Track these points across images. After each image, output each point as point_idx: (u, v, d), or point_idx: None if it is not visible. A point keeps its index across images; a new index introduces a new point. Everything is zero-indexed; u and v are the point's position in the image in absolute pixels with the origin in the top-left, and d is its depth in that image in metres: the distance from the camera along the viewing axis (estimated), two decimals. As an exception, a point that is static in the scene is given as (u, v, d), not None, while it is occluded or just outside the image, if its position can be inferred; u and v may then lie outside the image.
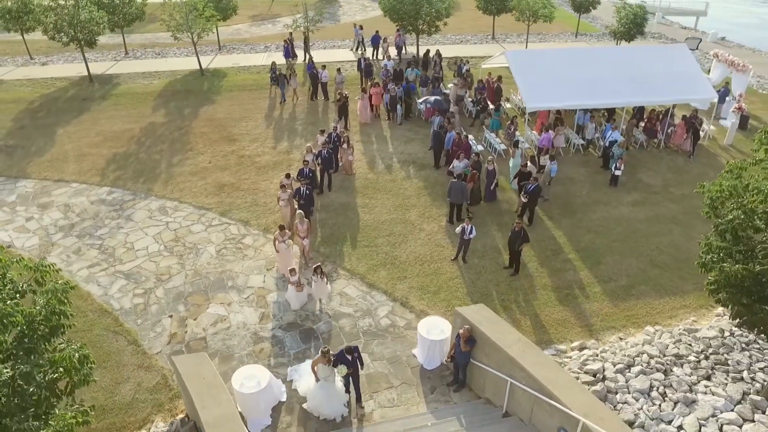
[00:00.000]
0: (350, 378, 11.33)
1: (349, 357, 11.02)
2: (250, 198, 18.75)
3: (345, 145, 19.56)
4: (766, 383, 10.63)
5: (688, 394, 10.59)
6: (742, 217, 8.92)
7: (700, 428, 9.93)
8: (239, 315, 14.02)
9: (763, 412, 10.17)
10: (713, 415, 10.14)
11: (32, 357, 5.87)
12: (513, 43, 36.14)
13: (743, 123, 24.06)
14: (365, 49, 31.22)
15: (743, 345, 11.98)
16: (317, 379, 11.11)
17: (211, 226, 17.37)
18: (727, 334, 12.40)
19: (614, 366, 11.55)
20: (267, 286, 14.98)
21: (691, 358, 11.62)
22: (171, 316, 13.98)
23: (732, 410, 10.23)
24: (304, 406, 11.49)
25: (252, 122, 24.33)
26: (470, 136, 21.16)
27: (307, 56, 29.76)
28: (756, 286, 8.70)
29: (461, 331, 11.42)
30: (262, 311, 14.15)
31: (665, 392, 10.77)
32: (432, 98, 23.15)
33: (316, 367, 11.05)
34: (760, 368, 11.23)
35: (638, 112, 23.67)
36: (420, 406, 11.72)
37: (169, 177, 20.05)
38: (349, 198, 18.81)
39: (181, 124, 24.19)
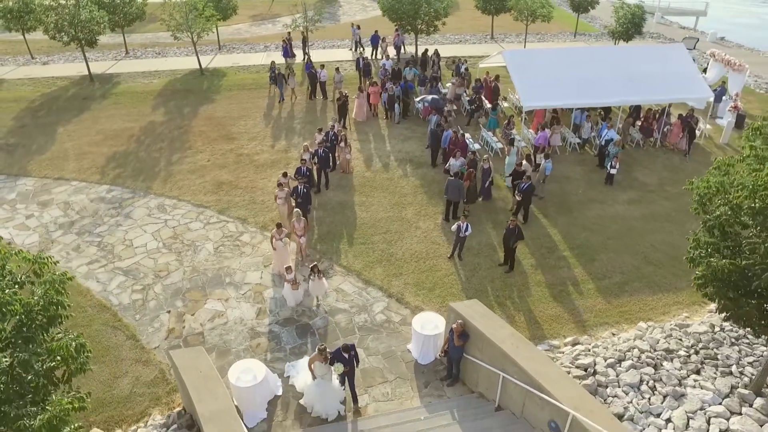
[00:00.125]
0: (346, 376, 11.44)
1: (346, 355, 11.11)
2: (248, 196, 18.91)
3: (342, 144, 19.71)
4: (754, 377, 10.77)
5: (677, 388, 10.75)
6: (729, 213, 9.06)
7: (688, 421, 10.09)
8: (236, 311, 14.19)
9: (751, 405, 10.32)
10: (701, 409, 10.30)
11: (30, 346, 6.04)
12: (512, 42, 36.28)
13: (739, 122, 24.18)
14: (363, 49, 31.37)
15: (733, 340, 12.13)
16: (314, 377, 11.22)
17: (209, 224, 17.54)
18: (717, 329, 12.55)
19: (605, 360, 11.71)
20: (264, 283, 15.14)
21: (681, 352, 11.77)
22: (169, 312, 14.15)
23: (720, 403, 10.38)
24: (301, 401, 11.63)
25: (251, 121, 24.50)
26: (467, 135, 21.33)
27: (306, 56, 29.92)
28: (742, 280, 8.84)
29: (454, 325, 11.56)
30: (258, 307, 14.31)
31: (655, 386, 10.93)
32: (429, 97, 23.31)
33: (313, 365, 11.14)
34: (748, 362, 11.38)
35: (634, 111, 23.80)
36: (414, 400, 11.87)
37: (168, 175, 20.23)
38: (347, 196, 18.97)
39: (181, 122, 24.36)
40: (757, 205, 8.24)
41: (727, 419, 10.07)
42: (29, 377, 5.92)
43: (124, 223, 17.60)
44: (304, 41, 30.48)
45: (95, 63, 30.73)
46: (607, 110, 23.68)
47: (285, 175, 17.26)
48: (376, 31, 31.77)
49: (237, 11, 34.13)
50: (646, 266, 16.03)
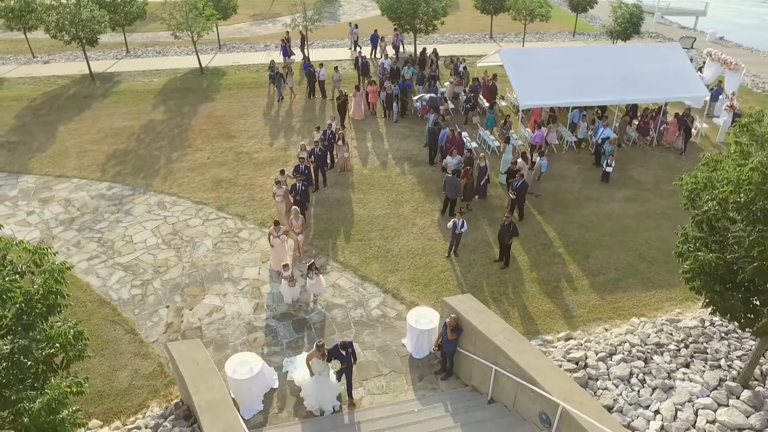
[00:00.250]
0: (344, 372, 11.55)
1: (344, 352, 11.22)
2: (247, 193, 19.11)
3: (340, 143, 19.89)
4: (742, 370, 10.93)
5: (666, 381, 10.93)
6: (717, 208, 9.23)
7: (676, 413, 10.26)
8: (234, 305, 14.38)
9: (738, 398, 10.49)
10: (689, 401, 10.47)
11: (30, 333, 6.24)
12: (511, 42, 36.44)
13: (736, 121, 24.28)
14: (360, 48, 31.56)
15: (722, 334, 12.30)
16: (311, 374, 11.36)
17: (208, 220, 17.74)
18: (707, 323, 12.72)
19: (596, 354, 11.89)
20: (262, 278, 15.34)
21: (672, 346, 11.94)
22: (168, 307, 14.35)
23: (708, 396, 10.55)
24: (301, 394, 11.76)
25: (250, 119, 24.70)
26: (464, 134, 21.51)
27: (304, 55, 30.13)
28: (729, 274, 9.01)
29: (448, 320, 11.74)
30: (256, 302, 14.50)
31: (644, 379, 11.10)
32: (427, 96, 23.49)
33: (310, 362, 11.27)
34: (737, 356, 11.55)
35: (631, 109, 23.95)
36: (408, 393, 12.05)
37: (167, 173, 20.43)
38: (344, 193, 19.16)
39: (181, 121, 24.57)
40: (741, 199, 8.41)
41: (714, 411, 10.24)
42: (29, 363, 6.13)
43: (124, 219, 17.81)
44: (303, 40, 30.66)
45: (96, 62, 30.95)
46: (603, 109, 23.82)
47: (282, 172, 17.44)
48: (376, 31, 31.97)
49: (237, 10, 34.38)
50: (640, 263, 16.19)
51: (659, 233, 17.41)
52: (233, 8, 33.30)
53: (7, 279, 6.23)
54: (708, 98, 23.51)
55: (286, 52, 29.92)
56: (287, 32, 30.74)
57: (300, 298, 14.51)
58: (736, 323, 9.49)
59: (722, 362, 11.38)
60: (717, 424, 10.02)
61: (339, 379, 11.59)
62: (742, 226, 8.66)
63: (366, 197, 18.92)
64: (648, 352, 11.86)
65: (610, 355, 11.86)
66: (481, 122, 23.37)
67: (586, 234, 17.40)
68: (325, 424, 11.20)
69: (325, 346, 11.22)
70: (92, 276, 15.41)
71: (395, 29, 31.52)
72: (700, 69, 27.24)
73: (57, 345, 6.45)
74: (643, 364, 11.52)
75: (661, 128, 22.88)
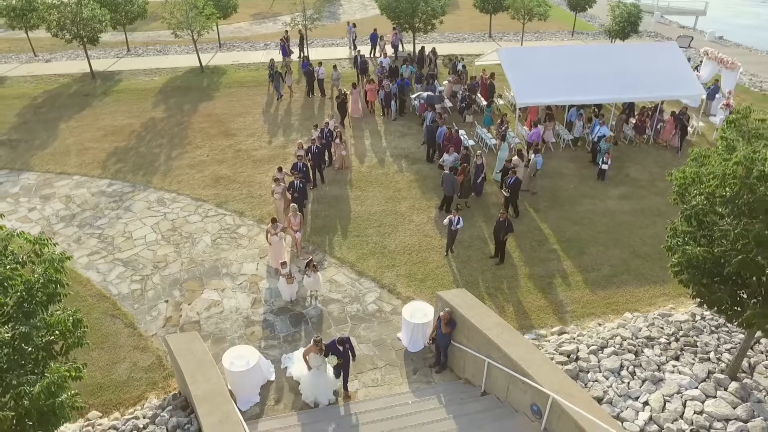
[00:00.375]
0: (340, 368, 11.66)
1: (341, 348, 11.36)
2: (246, 190, 19.30)
3: (338, 140, 20.07)
4: (730, 363, 11.10)
5: (656, 373, 11.10)
6: (705, 202, 9.40)
7: (665, 404, 10.43)
8: (232, 300, 14.57)
9: (725, 389, 10.66)
10: (678, 392, 10.64)
11: (31, 320, 6.44)
12: (510, 41, 36.61)
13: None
14: (356, 47, 31.77)
15: (713, 328, 12.47)
16: (309, 368, 11.51)
17: (207, 217, 17.93)
18: (698, 318, 12.88)
19: (588, 347, 12.06)
20: (259, 273, 15.53)
21: (662, 340, 12.11)
22: (167, 301, 14.54)
23: (696, 387, 10.72)
24: (299, 388, 11.90)
25: (250, 118, 24.90)
26: (462, 131, 21.69)
27: (302, 54, 30.33)
28: (716, 267, 9.18)
29: (442, 313, 11.91)
30: (254, 296, 14.70)
31: (634, 371, 11.28)
32: (425, 94, 23.66)
33: (307, 356, 11.43)
34: (726, 349, 11.72)
35: (628, 108, 24.11)
36: (402, 386, 12.23)
37: (167, 170, 20.64)
38: (342, 190, 19.35)
39: (181, 119, 24.78)
40: (727, 193, 8.58)
41: (702, 402, 10.42)
42: (30, 349, 6.33)
43: (124, 216, 18.01)
44: (302, 39, 30.86)
45: (97, 61, 31.19)
46: (599, 107, 23.98)
47: (280, 169, 17.62)
48: (375, 30, 32.16)
49: (237, 9, 34.61)
50: (635, 259, 16.35)
51: (654, 230, 17.56)
52: (233, 7, 33.54)
53: (8, 268, 6.43)
54: (704, 97, 23.65)
55: (285, 52, 30.11)
56: (286, 31, 30.95)
57: (298, 294, 14.66)
58: (723, 316, 9.65)
59: (711, 355, 11.55)
60: (704, 414, 10.19)
61: (337, 375, 11.73)
62: (729, 220, 8.82)
63: (364, 194, 19.10)
64: (639, 346, 12.04)
65: (602, 348, 12.04)
66: (478, 120, 23.53)
67: (581, 231, 17.56)
68: (320, 416, 11.38)
69: (323, 342, 11.37)
70: (92, 271, 15.61)
71: (393, 28, 31.71)
72: (696, 68, 27.37)
73: (57, 332, 6.66)
74: (634, 356, 11.70)
75: (658, 126, 23.03)
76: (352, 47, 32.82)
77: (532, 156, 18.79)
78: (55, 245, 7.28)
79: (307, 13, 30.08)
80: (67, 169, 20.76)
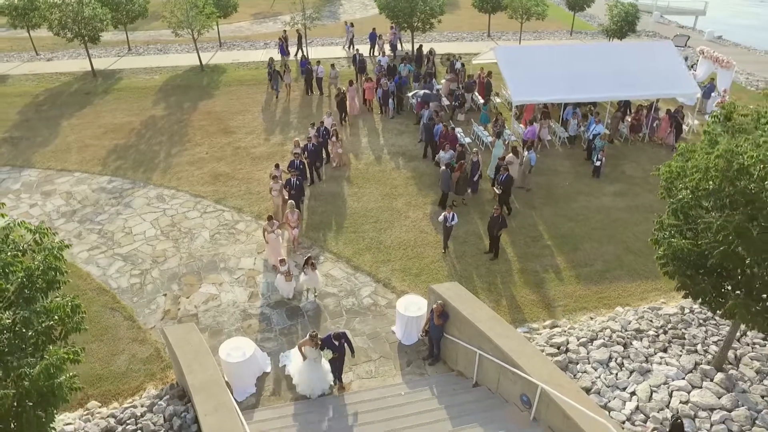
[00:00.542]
0: (335, 362, 11.83)
1: (336, 343, 11.53)
2: (244, 187, 19.54)
3: (334, 138, 20.28)
4: (716, 354, 11.31)
5: (643, 365, 11.32)
6: (690, 196, 9.60)
7: (651, 394, 10.65)
8: (229, 294, 14.80)
9: (711, 380, 10.88)
10: (665, 383, 10.86)
11: (31, 306, 6.69)
12: (508, 40, 36.79)
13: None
14: (356, 48, 31.99)
15: (701, 321, 12.68)
16: (304, 358, 11.71)
17: (206, 213, 18.17)
18: (687, 311, 13.09)
19: (578, 340, 12.27)
20: (257, 268, 15.76)
21: (651, 332, 12.33)
22: (165, 295, 14.78)
23: (683, 378, 10.93)
24: (294, 381, 12.08)
25: (249, 116, 25.14)
26: (458, 129, 21.91)
27: (301, 53, 30.58)
28: (700, 259, 9.38)
29: (434, 306, 12.14)
30: (251, 290, 14.93)
31: (623, 363, 11.49)
32: (421, 92, 23.88)
33: (303, 349, 11.62)
34: (713, 341, 11.93)
35: (623, 106, 24.29)
36: (396, 378, 12.45)
37: (167, 167, 20.88)
38: (339, 187, 19.58)
39: (181, 117, 25.02)
40: (710, 186, 8.79)
41: (689, 392, 10.63)
42: (30, 334, 6.57)
43: (124, 211, 18.25)
44: (300, 39, 31.10)
45: (98, 59, 31.45)
46: (595, 105, 24.18)
47: (277, 166, 17.85)
48: (374, 29, 32.39)
49: (237, 9, 34.83)
50: (628, 255, 16.55)
51: (647, 227, 17.62)
52: (233, 7, 33.78)
53: (9, 255, 6.68)
54: (699, 95, 23.83)
55: (283, 51, 30.36)
56: (284, 31, 31.22)
57: (295, 290, 14.80)
58: (707, 306, 9.85)
59: (699, 347, 11.76)
60: (690, 404, 10.40)
61: (333, 368, 11.89)
62: (713, 213, 9.02)
63: (360, 191, 19.33)
64: (628, 338, 12.25)
65: (591, 340, 12.25)
66: (474, 118, 23.74)
67: (575, 227, 17.76)
68: (314, 406, 11.61)
69: (318, 336, 11.52)
70: (92, 266, 15.85)
71: (392, 27, 31.95)
72: (692, 67, 27.56)
73: (56, 317, 6.89)
74: (623, 348, 11.91)
75: (654, 125, 23.21)
76: (349, 47, 33.06)
77: (526, 152, 18.99)
78: (54, 234, 7.52)
79: (307, 13, 30.30)
80: (68, 166, 21.01)
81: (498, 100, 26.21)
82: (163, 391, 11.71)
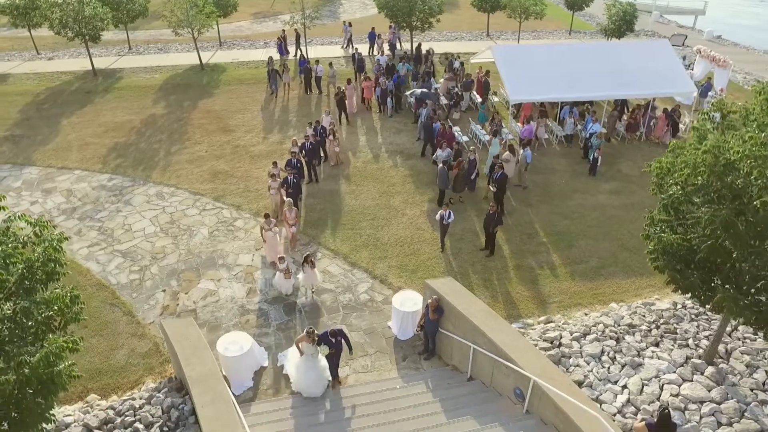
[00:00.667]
0: (332, 358, 11.93)
1: (333, 339, 11.64)
2: (243, 184, 19.70)
3: (332, 137, 20.43)
4: (707, 348, 11.46)
5: (635, 358, 11.47)
6: (680, 192, 9.74)
7: (643, 387, 10.80)
8: (228, 290, 14.96)
9: (702, 374, 11.02)
10: (656, 376, 11.00)
11: (31, 296, 6.87)
12: (507, 39, 36.94)
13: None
14: (352, 46, 32.17)
15: (693, 316, 12.83)
16: (301, 353, 11.84)
17: (205, 210, 18.33)
18: (679, 306, 13.24)
19: (571, 334, 12.42)
20: (255, 264, 15.93)
21: (643, 327, 12.47)
22: (164, 291, 14.95)
23: (674, 372, 11.07)
24: (291, 380, 12.21)
25: (248, 114, 25.31)
26: (456, 128, 22.06)
27: (299, 52, 30.75)
28: (689, 254, 9.53)
29: (430, 301, 12.29)
30: (249, 286, 15.09)
31: (615, 356, 11.64)
32: (418, 91, 24.04)
33: (300, 344, 11.75)
34: (705, 336, 12.07)
35: (620, 104, 24.43)
36: (391, 372, 12.61)
37: (167, 165, 21.05)
38: (337, 185, 19.74)
39: (180, 115, 25.20)
40: (699, 181, 8.93)
41: (679, 386, 10.77)
42: (30, 323, 6.75)
43: (123, 209, 18.42)
44: (298, 38, 31.28)
45: (99, 58, 31.62)
46: (592, 104, 24.32)
47: (275, 164, 18.02)
48: (373, 28, 32.57)
49: (237, 8, 35.01)
50: (623, 252, 16.68)
51: (642, 224, 17.64)
52: (233, 6, 33.96)
53: (10, 246, 6.85)
54: (696, 94, 23.96)
55: (282, 50, 30.54)
56: (283, 30, 31.40)
57: (293, 287, 14.93)
58: (696, 300, 10.00)
59: (690, 341, 11.91)
60: (680, 397, 10.54)
61: (329, 364, 12.01)
62: (703, 208, 9.15)
63: (358, 189, 19.49)
64: (620, 332, 12.40)
65: (584, 335, 12.40)
66: (473, 117, 23.90)
67: (571, 225, 17.90)
68: (310, 400, 11.74)
69: (315, 332, 11.60)
70: (92, 262, 16.02)
71: (390, 26, 32.12)
72: (689, 66, 27.70)
73: (55, 308, 7.07)
74: (615, 343, 12.06)
75: (651, 123, 23.34)
76: (346, 46, 33.26)
77: (522, 150, 19.15)
78: (54, 227, 7.69)
79: (306, 12, 30.46)
80: (69, 164, 21.19)
81: (496, 99, 26.38)
82: (161, 385, 11.87)
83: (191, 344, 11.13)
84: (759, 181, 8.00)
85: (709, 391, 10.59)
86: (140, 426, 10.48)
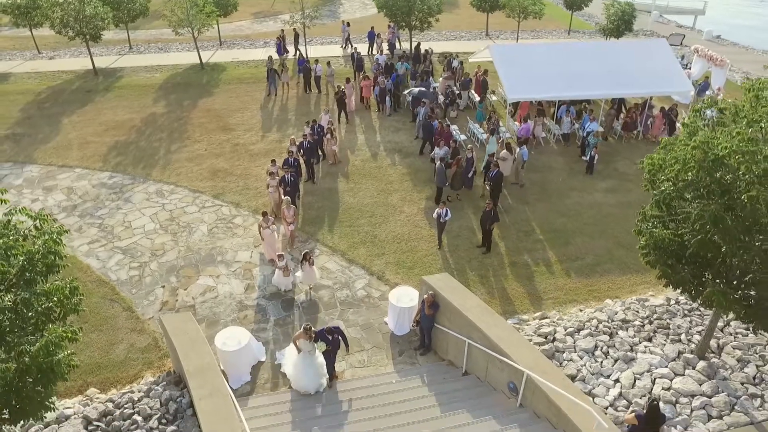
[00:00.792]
0: (328, 354, 12.06)
1: (330, 337, 11.78)
2: (242, 182, 19.85)
3: (329, 136, 20.57)
4: (699, 343, 11.59)
5: (628, 353, 11.61)
6: (672, 188, 9.87)
7: (635, 381, 10.94)
8: (226, 286, 15.11)
9: (694, 368, 11.17)
10: (648, 370, 11.15)
11: (31, 288, 7.03)
12: (506, 39, 37.05)
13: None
14: (352, 46, 32.30)
15: (686, 311, 12.96)
16: (299, 351, 11.97)
17: (204, 208, 18.49)
18: (672, 302, 13.37)
19: (565, 330, 12.55)
20: (253, 261, 16.07)
21: (636, 322, 12.61)
22: (163, 287, 15.10)
23: (666, 366, 11.21)
24: (288, 377, 12.34)
25: (248, 113, 25.46)
26: (454, 126, 22.20)
27: (298, 52, 30.91)
28: (680, 249, 9.66)
29: (425, 296, 12.44)
30: (247, 282, 15.24)
31: (608, 351, 11.78)
32: (416, 90, 24.19)
33: (297, 342, 11.88)
34: (697, 331, 12.20)
35: (617, 103, 24.56)
36: (387, 367, 12.75)
37: (166, 163, 21.21)
38: (336, 183, 19.88)
39: (180, 114, 25.35)
40: (689, 177, 9.06)
41: (671, 380, 10.92)
42: (30, 314, 6.90)
43: (123, 206, 18.58)
44: (296, 38, 31.44)
45: (99, 58, 31.80)
46: (589, 103, 24.43)
47: (273, 162, 18.17)
48: (372, 28, 32.71)
49: (238, 8, 35.17)
50: (618, 249, 16.81)
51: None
52: (233, 5, 34.11)
53: (11, 238, 7.01)
54: (693, 93, 24.08)
55: (281, 50, 30.71)
56: (282, 30, 31.55)
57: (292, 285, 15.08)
58: (687, 295, 10.13)
59: (683, 336, 12.04)
60: (672, 391, 10.69)
61: (326, 361, 12.15)
62: (693, 204, 9.28)
63: (357, 186, 19.63)
64: (614, 328, 12.54)
65: (578, 330, 12.54)
66: (471, 116, 24.04)
67: (567, 222, 18.03)
68: (307, 394, 11.88)
69: (312, 329, 11.74)
70: (92, 258, 16.17)
71: (389, 26, 32.26)
72: (687, 66, 27.81)
73: (55, 299, 7.22)
74: (608, 338, 12.20)
75: (648, 122, 23.46)
76: (346, 45, 33.41)
77: (518, 148, 19.28)
78: (54, 221, 7.85)
79: (305, 12, 30.61)
80: (69, 162, 21.35)
81: (494, 98, 26.51)
82: (160, 378, 12.02)
83: (190, 338, 11.28)
84: (747, 176, 8.13)
85: (700, 385, 10.74)
86: (139, 418, 10.63)
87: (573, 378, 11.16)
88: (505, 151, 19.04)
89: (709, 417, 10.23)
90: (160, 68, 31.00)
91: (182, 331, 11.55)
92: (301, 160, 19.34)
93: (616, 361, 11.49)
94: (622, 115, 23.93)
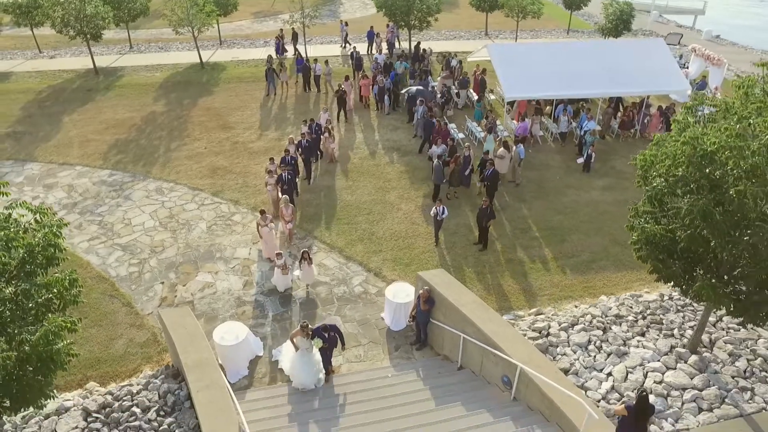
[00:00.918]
0: (325, 351, 12.17)
1: (326, 334, 11.87)
2: (241, 180, 20.00)
3: (327, 134, 20.71)
4: (691, 337, 11.72)
5: (621, 348, 11.74)
6: (664, 183, 10.01)
7: (627, 375, 11.07)
8: (225, 282, 15.26)
9: (685, 362, 11.29)
10: (641, 365, 11.28)
11: (31, 279, 7.18)
12: (505, 39, 37.18)
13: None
14: (351, 45, 32.45)
15: (679, 307, 13.08)
16: (296, 348, 12.09)
17: (204, 205, 18.64)
18: (666, 297, 13.50)
19: (559, 325, 12.69)
20: (252, 258, 16.22)
21: (630, 317, 12.75)
22: (163, 283, 15.25)
23: (658, 360, 11.35)
24: (286, 372, 12.47)
25: (247, 112, 25.61)
26: (452, 125, 22.33)
27: (297, 52, 31.05)
28: (672, 244, 9.79)
29: (421, 291, 12.57)
30: (246, 279, 15.39)
31: (601, 346, 11.92)
32: (414, 89, 24.33)
33: (294, 339, 12.00)
34: (690, 326, 12.33)
35: (614, 102, 24.68)
36: (384, 362, 12.89)
37: (166, 161, 21.36)
38: (334, 181, 20.03)
39: (180, 113, 25.51)
40: (679, 172, 9.19)
41: (663, 373, 11.05)
42: (30, 305, 7.06)
43: (123, 204, 18.74)
44: (294, 37, 31.59)
45: (100, 57, 31.98)
46: (587, 101, 24.57)
47: (272, 160, 18.31)
48: (372, 27, 32.85)
49: (238, 8, 35.32)
50: (614, 246, 16.93)
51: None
52: (233, 5, 34.26)
53: (12, 231, 7.16)
54: (691, 92, 24.17)
55: (279, 49, 30.84)
56: (281, 30, 31.69)
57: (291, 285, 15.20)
58: (678, 289, 10.26)
59: (675, 331, 12.17)
60: (663, 384, 10.82)
61: (323, 357, 12.26)
62: (684, 199, 9.41)
63: (355, 184, 19.78)
64: (607, 323, 12.67)
65: (572, 325, 12.67)
66: (469, 115, 24.17)
67: (564, 220, 18.16)
68: (304, 388, 12.04)
69: (309, 326, 11.86)
70: (92, 255, 16.32)
71: (388, 25, 32.41)
72: (684, 65, 27.94)
73: (54, 291, 7.37)
74: (602, 332, 12.33)
75: (645, 121, 23.58)
76: (344, 45, 33.56)
77: (515, 146, 19.42)
78: (54, 214, 8.00)
79: (305, 12, 30.76)
80: (70, 160, 21.52)
81: (492, 96, 26.65)
82: (158, 372, 12.16)
83: (188, 333, 11.43)
84: (735, 171, 8.27)
85: (691, 378, 10.87)
86: (137, 410, 10.78)
87: (566, 371, 11.29)
88: (502, 149, 19.17)
89: (700, 410, 10.36)
90: (161, 67, 31.16)
91: (181, 325, 11.69)
92: (300, 159, 19.48)
93: (609, 355, 11.62)
94: (619, 114, 24.05)
